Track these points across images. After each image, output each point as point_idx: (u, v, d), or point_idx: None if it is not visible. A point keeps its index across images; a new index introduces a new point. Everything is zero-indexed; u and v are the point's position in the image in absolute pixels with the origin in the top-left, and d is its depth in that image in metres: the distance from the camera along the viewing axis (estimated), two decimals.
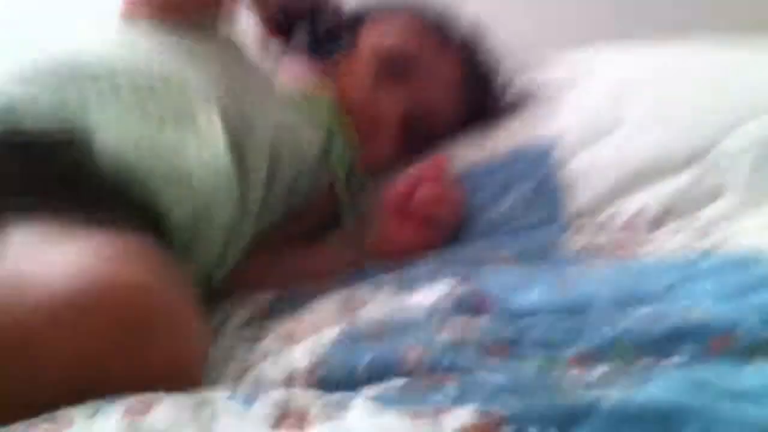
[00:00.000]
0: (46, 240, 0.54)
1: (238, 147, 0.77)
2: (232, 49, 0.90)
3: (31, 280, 0.49)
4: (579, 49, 1.09)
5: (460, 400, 0.40)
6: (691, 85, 0.90)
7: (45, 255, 0.52)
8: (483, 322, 0.55)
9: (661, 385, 0.40)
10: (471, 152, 0.95)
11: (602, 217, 0.79)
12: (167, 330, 0.49)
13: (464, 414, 0.38)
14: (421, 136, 1.01)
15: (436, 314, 0.57)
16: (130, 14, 0.85)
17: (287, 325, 0.59)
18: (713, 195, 0.78)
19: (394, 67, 1.00)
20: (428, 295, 0.61)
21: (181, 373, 0.49)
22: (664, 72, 0.94)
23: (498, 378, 0.44)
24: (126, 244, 0.54)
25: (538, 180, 0.85)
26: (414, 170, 0.90)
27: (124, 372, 0.47)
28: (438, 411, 0.39)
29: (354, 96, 0.98)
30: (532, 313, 0.57)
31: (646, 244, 0.75)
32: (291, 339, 0.57)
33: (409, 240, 0.85)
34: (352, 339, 0.53)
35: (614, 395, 0.38)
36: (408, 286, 0.65)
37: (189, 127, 0.74)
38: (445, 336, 0.51)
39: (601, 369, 0.46)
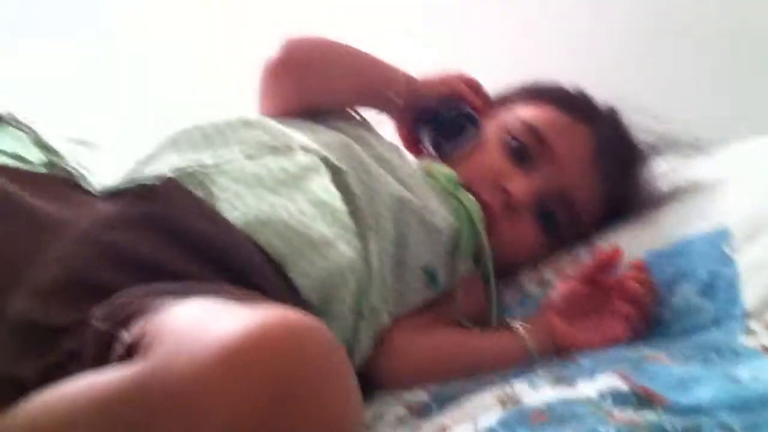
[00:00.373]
0: (206, 308, 0.52)
1: (356, 212, 0.80)
2: (359, 127, 0.95)
3: (190, 336, 0.46)
4: (739, 141, 1.05)
5: None
6: None
7: (205, 316, 0.50)
8: (650, 416, 0.52)
9: None
10: (628, 243, 0.90)
11: None
12: (334, 384, 0.45)
13: None
14: (560, 223, 0.97)
15: (599, 406, 0.54)
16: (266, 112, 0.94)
17: (441, 420, 0.58)
18: None
19: (525, 148, 0.96)
20: (590, 387, 0.58)
21: None
22: None
23: None
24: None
25: (711, 274, 0.80)
26: (596, 263, 0.85)
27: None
28: None
29: (484, 178, 0.95)
30: (704, 409, 0.54)
31: None
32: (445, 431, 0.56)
33: (593, 341, 0.80)
34: (509, 426, 0.52)
35: None
36: (567, 381, 0.62)
37: (304, 192, 0.78)
38: (610, 428, 0.48)
39: None
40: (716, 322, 0.76)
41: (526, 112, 1.00)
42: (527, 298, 0.94)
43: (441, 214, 0.89)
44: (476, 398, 0.61)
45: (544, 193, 0.95)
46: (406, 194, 0.86)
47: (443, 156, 1.00)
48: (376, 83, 1.00)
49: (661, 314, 0.81)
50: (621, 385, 0.57)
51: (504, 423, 0.53)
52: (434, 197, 0.91)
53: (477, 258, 0.93)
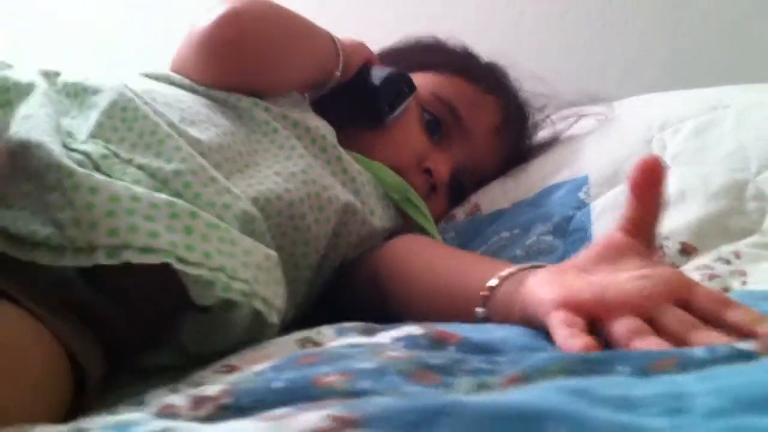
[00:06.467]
0: None
1: None
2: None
3: None
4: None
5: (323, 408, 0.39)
6: (730, 125, 0.88)
7: None
8: (425, 353, 0.53)
9: (536, 390, 0.37)
10: (498, 196, 1.00)
11: None
12: None
13: (313, 417, 0.37)
14: (465, 191, 1.05)
15: (379, 350, 0.55)
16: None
17: (230, 361, 0.59)
18: (744, 231, 0.74)
19: (440, 123, 1.02)
20: (387, 335, 0.59)
21: None
22: (700, 114, 0.94)
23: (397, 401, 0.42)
24: None
25: (564, 217, 0.87)
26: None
27: None
28: (289, 415, 0.38)
29: (409, 158, 0.99)
30: (494, 348, 0.55)
31: None
32: (230, 370, 0.57)
33: None
34: (278, 369, 0.53)
35: (480, 397, 0.36)
36: (373, 331, 0.63)
37: None
38: (372, 363, 0.49)
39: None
40: (563, 259, 0.79)
41: (439, 86, 1.03)
42: None
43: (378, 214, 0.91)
44: (280, 341, 0.63)
45: (458, 168, 1.02)
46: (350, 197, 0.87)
47: (380, 125, 0.98)
48: (320, 62, 0.95)
49: (515, 254, 0.86)
50: (417, 331, 0.59)
51: (276, 367, 0.54)
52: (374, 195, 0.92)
53: None
